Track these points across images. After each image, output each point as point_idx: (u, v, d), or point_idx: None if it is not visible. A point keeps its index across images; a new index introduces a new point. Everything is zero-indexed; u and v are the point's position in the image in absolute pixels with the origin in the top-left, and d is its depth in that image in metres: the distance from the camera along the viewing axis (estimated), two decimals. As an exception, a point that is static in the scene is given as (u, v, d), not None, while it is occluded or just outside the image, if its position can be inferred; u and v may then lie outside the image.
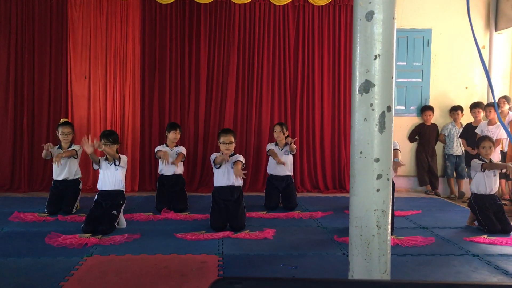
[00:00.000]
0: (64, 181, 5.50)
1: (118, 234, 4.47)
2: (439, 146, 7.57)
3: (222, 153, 4.96)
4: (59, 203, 5.40)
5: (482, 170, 5.06)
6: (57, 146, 5.56)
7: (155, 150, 5.88)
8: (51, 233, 4.41)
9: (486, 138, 5.34)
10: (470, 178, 5.39)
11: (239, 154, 5.25)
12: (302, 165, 7.25)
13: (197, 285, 3.27)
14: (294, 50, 7.26)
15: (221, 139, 5.00)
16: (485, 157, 5.16)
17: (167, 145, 5.87)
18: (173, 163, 5.67)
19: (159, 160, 5.77)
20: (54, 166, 5.52)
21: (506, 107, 6.85)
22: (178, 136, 5.89)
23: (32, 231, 4.60)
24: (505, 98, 6.93)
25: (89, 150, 4.69)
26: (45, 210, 5.33)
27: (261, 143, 7.19)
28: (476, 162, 5.17)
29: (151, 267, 3.62)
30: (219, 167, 4.97)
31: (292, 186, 6.00)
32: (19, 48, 6.81)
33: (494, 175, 5.10)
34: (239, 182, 5.03)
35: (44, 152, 5.35)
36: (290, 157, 6.05)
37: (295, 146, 5.96)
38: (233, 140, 5.01)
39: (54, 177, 5.56)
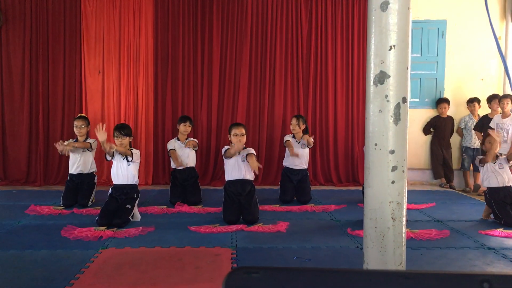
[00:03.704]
0: (79, 174, 5.55)
1: (132, 227, 4.51)
2: (454, 139, 7.49)
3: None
4: (74, 196, 5.45)
5: (481, 165, 5.06)
6: (74, 140, 5.62)
7: (168, 148, 5.89)
8: (67, 226, 4.46)
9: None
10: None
11: (251, 147, 5.26)
12: (315, 158, 7.23)
13: (211, 277, 3.29)
14: (307, 41, 7.22)
15: (233, 131, 5.02)
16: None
17: (178, 139, 5.89)
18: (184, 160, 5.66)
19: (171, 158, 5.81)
20: (70, 159, 5.58)
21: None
22: (189, 128, 5.90)
23: (48, 224, 4.65)
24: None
25: (102, 137, 4.70)
26: (61, 203, 5.40)
27: (273, 136, 7.19)
28: (479, 158, 5.17)
29: (165, 260, 3.64)
30: (229, 158, 4.97)
31: (306, 179, 5.98)
32: (33, 43, 6.87)
33: (501, 168, 5.04)
34: (250, 176, 5.03)
35: (59, 149, 5.34)
36: (307, 150, 6.03)
37: (312, 140, 5.93)
38: (244, 132, 5.03)
39: (70, 170, 5.62)
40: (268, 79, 7.16)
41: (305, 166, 6.03)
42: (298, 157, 5.91)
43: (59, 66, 6.93)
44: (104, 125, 4.84)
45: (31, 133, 6.94)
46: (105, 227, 4.42)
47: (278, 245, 4.08)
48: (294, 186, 5.93)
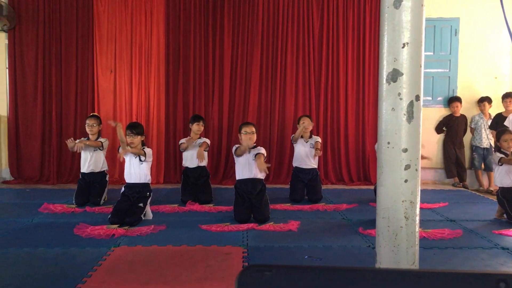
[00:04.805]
0: (91, 173, 5.59)
1: (144, 225, 4.53)
2: (467, 138, 7.41)
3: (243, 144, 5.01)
4: (86, 195, 5.49)
5: (500, 164, 4.98)
6: (86, 138, 5.66)
7: (179, 143, 5.92)
8: (80, 224, 4.49)
9: (507, 130, 5.23)
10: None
11: (262, 146, 5.25)
12: (326, 157, 7.20)
13: (222, 276, 3.29)
14: (318, 40, 7.19)
15: (243, 130, 5.04)
16: (507, 150, 5.05)
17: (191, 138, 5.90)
18: (199, 156, 5.68)
19: (183, 152, 5.82)
20: (82, 158, 5.63)
21: None
22: (202, 128, 5.92)
23: (61, 222, 4.69)
24: None
25: (119, 128, 4.83)
26: (74, 201, 5.44)
27: (284, 135, 7.17)
28: (497, 155, 5.07)
29: (176, 258, 3.66)
30: (240, 156, 4.97)
31: (317, 178, 5.97)
32: (46, 43, 6.94)
33: None
34: (261, 175, 5.03)
35: (69, 146, 5.39)
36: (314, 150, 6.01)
37: (320, 153, 5.92)
38: (254, 130, 5.04)
39: (82, 169, 5.66)
40: (279, 78, 7.15)
41: (315, 166, 6.01)
42: (311, 128, 5.92)
43: (71, 65, 6.99)
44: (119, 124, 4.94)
45: (44, 132, 7.01)
46: (117, 225, 4.45)
47: (289, 244, 4.07)
48: (305, 185, 5.91)
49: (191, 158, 5.75)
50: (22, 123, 7.02)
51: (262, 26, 7.11)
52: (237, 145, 5.10)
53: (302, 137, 6.00)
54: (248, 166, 4.95)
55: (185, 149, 5.75)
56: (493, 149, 6.82)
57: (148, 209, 4.89)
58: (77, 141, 5.48)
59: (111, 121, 5.11)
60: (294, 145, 6.07)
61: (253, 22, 7.10)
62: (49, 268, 3.42)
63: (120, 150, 4.81)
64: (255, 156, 4.90)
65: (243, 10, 7.09)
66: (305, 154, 5.94)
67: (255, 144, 5.12)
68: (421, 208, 2.46)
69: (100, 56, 6.94)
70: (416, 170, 2.20)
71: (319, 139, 6.05)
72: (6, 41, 6.97)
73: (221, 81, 7.13)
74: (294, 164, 6.08)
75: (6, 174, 7.08)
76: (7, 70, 7.00)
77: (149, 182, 5.01)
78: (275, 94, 7.16)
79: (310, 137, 6.00)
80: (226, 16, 7.06)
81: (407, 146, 2.17)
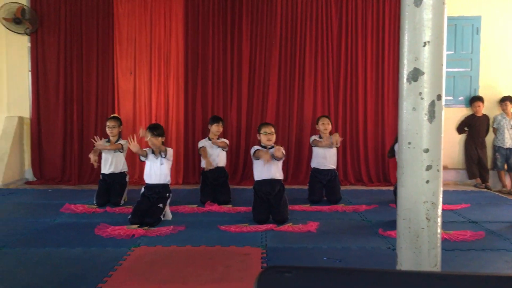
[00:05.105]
0: (112, 174, 5.65)
1: (164, 226, 4.56)
2: (489, 138, 7.28)
3: (264, 146, 5.00)
4: (107, 195, 5.56)
5: None
6: (106, 140, 5.72)
7: (199, 146, 5.94)
8: (100, 224, 4.54)
9: None
10: None
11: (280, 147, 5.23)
12: (345, 158, 7.16)
13: (241, 277, 3.29)
14: (337, 39, 7.15)
15: (262, 130, 5.05)
16: None
17: (209, 139, 5.91)
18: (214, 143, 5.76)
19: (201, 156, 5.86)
20: (102, 159, 5.69)
21: None
22: (221, 129, 5.94)
23: (82, 222, 4.75)
24: None
25: (134, 149, 4.83)
26: (94, 202, 5.51)
27: (303, 136, 7.15)
28: None
29: (196, 258, 3.67)
30: (258, 159, 4.97)
31: (336, 179, 5.92)
32: (68, 46, 7.04)
33: None
34: (280, 175, 5.02)
35: (92, 159, 5.48)
36: (334, 150, 5.96)
37: (340, 139, 5.86)
38: (273, 131, 5.04)
39: (102, 170, 5.73)
40: (297, 78, 7.13)
41: (334, 166, 5.97)
42: (330, 129, 5.86)
43: (92, 67, 7.08)
44: (135, 136, 4.97)
45: (65, 133, 7.12)
46: (137, 226, 4.49)
47: (308, 245, 4.05)
48: (323, 186, 5.87)
49: (210, 159, 5.76)
50: (44, 125, 7.14)
51: (281, 27, 7.10)
52: (256, 147, 5.09)
53: (320, 137, 5.95)
54: (267, 167, 4.94)
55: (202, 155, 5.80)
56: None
57: (167, 209, 4.92)
58: (101, 142, 5.52)
59: (141, 130, 5.18)
60: (313, 146, 6.04)
61: (271, 23, 7.09)
62: (71, 267, 3.47)
63: (148, 135, 4.86)
64: (274, 150, 4.88)
65: (261, 12, 7.08)
66: (323, 155, 5.90)
67: (273, 144, 5.11)
68: (442, 210, 2.44)
69: (120, 58, 7.02)
70: (438, 170, 2.17)
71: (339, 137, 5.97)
72: (29, 44, 7.10)
73: (239, 83, 7.14)
74: (313, 165, 6.05)
75: (29, 175, 7.21)
76: (29, 72, 7.13)
77: (169, 182, 5.05)
78: (293, 95, 7.14)
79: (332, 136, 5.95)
80: (245, 17, 7.07)
81: (429, 147, 2.14)
